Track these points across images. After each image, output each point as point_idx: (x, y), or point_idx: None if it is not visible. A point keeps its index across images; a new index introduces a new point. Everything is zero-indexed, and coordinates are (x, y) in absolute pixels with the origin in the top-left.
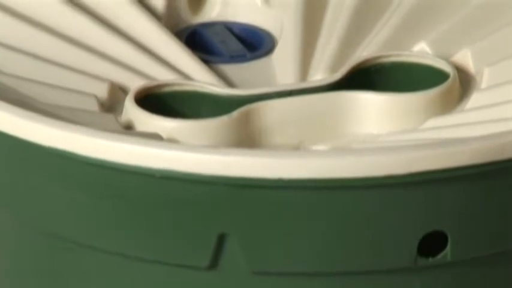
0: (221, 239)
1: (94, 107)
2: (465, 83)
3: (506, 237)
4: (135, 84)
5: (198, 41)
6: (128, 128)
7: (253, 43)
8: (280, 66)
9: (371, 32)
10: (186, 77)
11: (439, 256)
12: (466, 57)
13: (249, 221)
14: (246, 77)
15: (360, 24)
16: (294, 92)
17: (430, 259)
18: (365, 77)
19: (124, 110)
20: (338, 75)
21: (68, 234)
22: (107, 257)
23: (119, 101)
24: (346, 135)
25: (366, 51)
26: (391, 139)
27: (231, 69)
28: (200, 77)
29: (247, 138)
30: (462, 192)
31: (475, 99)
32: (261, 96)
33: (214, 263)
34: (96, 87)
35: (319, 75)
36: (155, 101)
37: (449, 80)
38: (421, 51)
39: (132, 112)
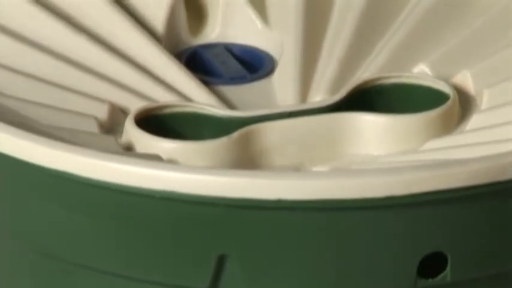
0: (221, 260)
1: (94, 128)
2: (465, 104)
3: (506, 258)
4: (135, 105)
5: (198, 62)
6: (128, 149)
7: (253, 64)
8: (280, 88)
9: (371, 54)
10: (186, 98)
11: (439, 277)
12: (466, 79)
13: (249, 242)
14: (246, 98)
15: (360, 45)
16: (294, 114)
17: (430, 280)
18: (365, 98)
19: (124, 131)
20: (338, 97)
21: (68, 256)
22: (107, 278)
23: (119, 122)
24: (346, 157)
25: (366, 72)
26: (391, 160)
27: (231, 91)
28: (200, 99)
29: (247, 160)
30: (462, 213)
31: (475, 120)
32: (261, 118)
33: (214, 284)
34: (96, 109)
35: (319, 97)
36: (155, 122)
37: (449, 102)
38: (421, 72)
39: (132, 133)
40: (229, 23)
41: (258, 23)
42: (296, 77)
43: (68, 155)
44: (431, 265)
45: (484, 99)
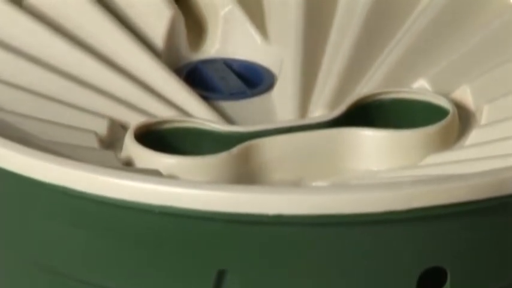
0: (220, 275)
1: (94, 143)
2: (465, 119)
3: (505, 273)
4: (134, 120)
5: (197, 77)
6: (128, 165)
7: (253, 80)
8: (280, 103)
9: (371, 69)
10: (186, 113)
11: None
12: (465, 94)
13: (248, 257)
14: (246, 113)
15: (359, 60)
16: (294, 129)
17: None
18: (365, 113)
19: (124, 146)
20: (338, 112)
21: (67, 270)
22: None
23: (118, 137)
24: (345, 172)
25: (365, 87)
26: (390, 175)
27: (230, 106)
28: (200, 114)
29: (247, 175)
30: (462, 228)
31: (474, 135)
32: (261, 133)
33: None
34: (96, 124)
35: (318, 112)
36: (155, 137)
37: (449, 117)
38: (420, 87)
39: (132, 149)
40: (229, 39)
41: (258, 38)
42: (296, 92)
43: (68, 170)
44: (431, 280)
45: (484, 115)
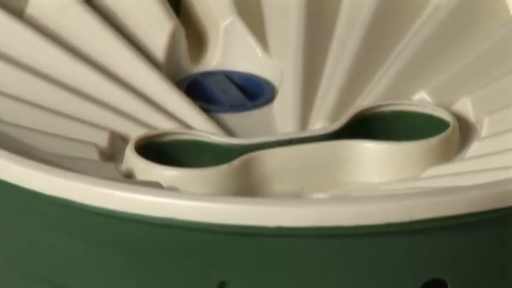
0: (221, 287)
1: (95, 155)
2: (465, 131)
3: (505, 284)
4: (135, 133)
5: (198, 90)
6: (129, 177)
7: (253, 92)
8: (281, 115)
9: (371, 81)
10: (187, 126)
11: None
12: (466, 106)
13: (249, 269)
14: (246, 125)
15: (360, 73)
16: (294, 141)
17: None
18: (365, 125)
19: (124, 158)
20: (338, 124)
21: (68, 282)
22: None
23: (119, 149)
24: (346, 184)
25: (366, 100)
26: (391, 187)
27: (231, 118)
28: (200, 126)
29: (247, 187)
30: (462, 240)
31: (475, 147)
32: (262, 145)
33: None
34: (97, 136)
35: (319, 124)
36: (155, 149)
37: (450, 129)
38: (421, 100)
39: (133, 161)
40: (230, 51)
41: (259, 51)
42: (296, 104)
43: (69, 182)
44: None
45: (484, 127)
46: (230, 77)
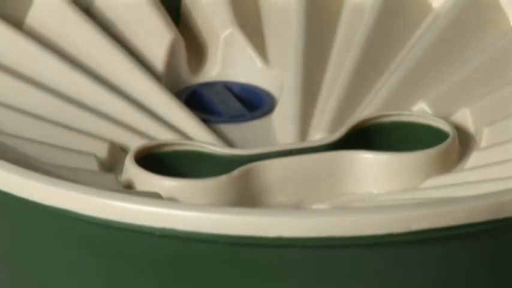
0: None
1: (94, 166)
2: (465, 142)
3: None
4: (135, 143)
5: (198, 100)
6: (128, 188)
7: (253, 103)
8: (280, 126)
9: (371, 92)
10: (186, 136)
11: None
12: (465, 117)
13: (248, 280)
14: (246, 136)
15: (359, 83)
16: (294, 152)
17: None
18: (365, 136)
19: (124, 169)
20: (338, 135)
21: None
22: None
23: (119, 160)
24: (346, 194)
25: (365, 110)
26: (390, 198)
27: (231, 129)
28: (200, 137)
29: (247, 197)
30: (462, 250)
31: (474, 158)
32: (261, 156)
33: None
34: (97, 147)
35: (319, 135)
36: (155, 160)
37: (449, 140)
38: (420, 110)
39: (132, 171)
40: (229, 62)
41: (258, 61)
42: (296, 115)
43: (68, 192)
44: None
45: (484, 137)
46: (230, 87)
